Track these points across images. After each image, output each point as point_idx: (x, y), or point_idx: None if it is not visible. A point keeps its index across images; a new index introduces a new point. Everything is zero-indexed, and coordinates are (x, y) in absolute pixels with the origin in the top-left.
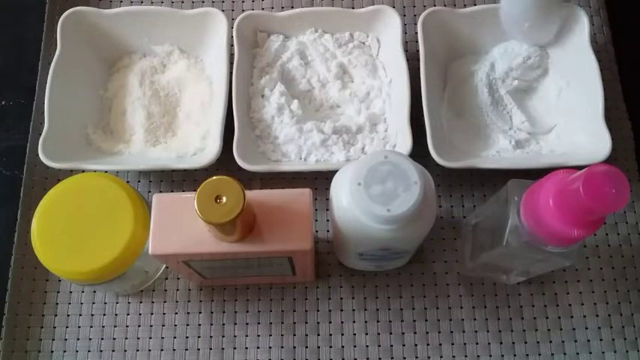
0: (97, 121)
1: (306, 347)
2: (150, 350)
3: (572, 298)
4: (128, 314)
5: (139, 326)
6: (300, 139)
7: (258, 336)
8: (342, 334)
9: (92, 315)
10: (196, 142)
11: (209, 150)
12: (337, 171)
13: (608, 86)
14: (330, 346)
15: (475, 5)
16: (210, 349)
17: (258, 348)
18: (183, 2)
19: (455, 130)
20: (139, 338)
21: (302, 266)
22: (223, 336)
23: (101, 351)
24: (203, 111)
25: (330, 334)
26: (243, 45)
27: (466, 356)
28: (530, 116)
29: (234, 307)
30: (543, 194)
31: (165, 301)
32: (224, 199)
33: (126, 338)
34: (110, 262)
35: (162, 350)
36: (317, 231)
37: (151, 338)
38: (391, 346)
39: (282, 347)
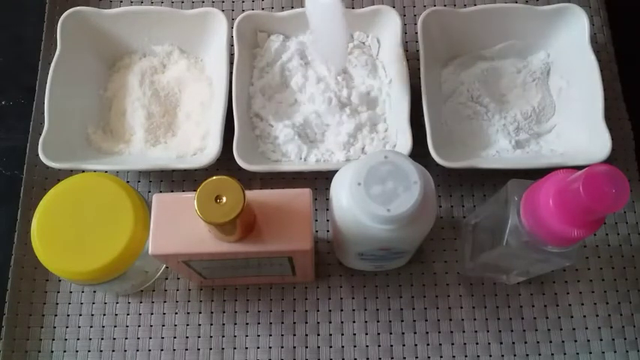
0: (97, 121)
1: (306, 347)
2: (150, 350)
3: (572, 298)
4: (128, 314)
5: (139, 326)
6: (300, 138)
7: (258, 336)
8: (342, 334)
9: (92, 315)
10: (196, 142)
11: (209, 150)
12: (337, 171)
13: (608, 86)
14: (330, 346)
15: (475, 5)
16: (210, 349)
17: (258, 348)
18: (183, 2)
19: (455, 129)
20: (139, 338)
21: (302, 266)
22: (223, 336)
23: (101, 351)
24: (203, 111)
25: (330, 334)
26: (243, 45)
27: (466, 356)
28: (530, 116)
29: (234, 307)
30: (543, 194)
31: (165, 301)
32: (224, 199)
33: (126, 338)
34: (110, 262)
35: (162, 350)
36: (317, 231)
37: (151, 338)
38: (391, 346)
39: (282, 347)
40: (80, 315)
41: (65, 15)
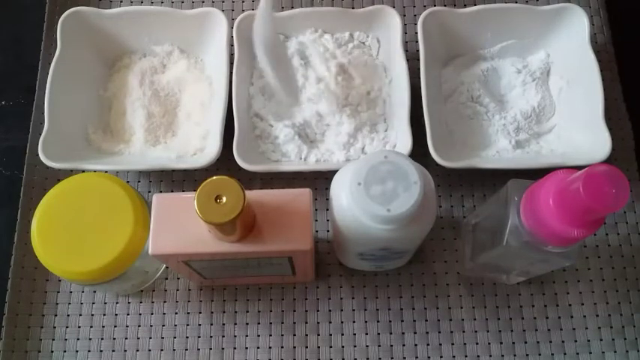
0: (97, 121)
1: (306, 347)
2: (150, 350)
3: (572, 298)
4: (128, 314)
5: (139, 326)
6: (300, 138)
7: (258, 336)
8: (342, 334)
9: (92, 315)
10: (196, 142)
11: (209, 150)
12: (337, 171)
13: (608, 86)
14: (330, 346)
15: (475, 5)
16: (210, 349)
17: (258, 348)
18: (183, 2)
19: (455, 129)
20: (139, 338)
21: (302, 266)
22: (223, 336)
23: (101, 351)
24: (203, 111)
25: (330, 334)
26: (243, 45)
27: (466, 356)
28: (530, 116)
29: (234, 307)
30: (543, 194)
31: (165, 301)
32: (224, 199)
33: (126, 338)
34: (110, 262)
35: (162, 350)
36: (317, 231)
37: (151, 338)
38: (391, 346)
39: (282, 347)
40: (80, 315)
41: (65, 15)
